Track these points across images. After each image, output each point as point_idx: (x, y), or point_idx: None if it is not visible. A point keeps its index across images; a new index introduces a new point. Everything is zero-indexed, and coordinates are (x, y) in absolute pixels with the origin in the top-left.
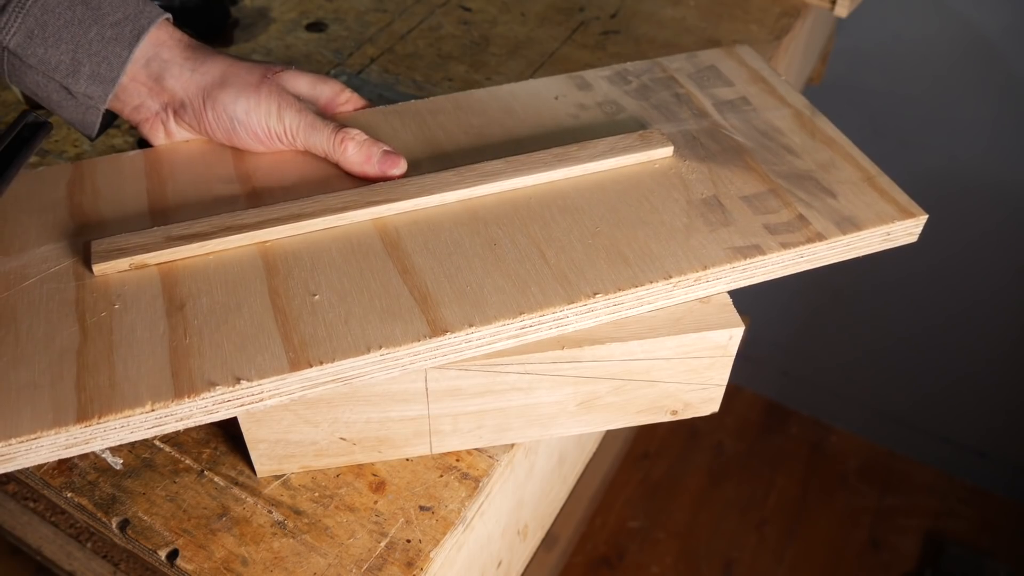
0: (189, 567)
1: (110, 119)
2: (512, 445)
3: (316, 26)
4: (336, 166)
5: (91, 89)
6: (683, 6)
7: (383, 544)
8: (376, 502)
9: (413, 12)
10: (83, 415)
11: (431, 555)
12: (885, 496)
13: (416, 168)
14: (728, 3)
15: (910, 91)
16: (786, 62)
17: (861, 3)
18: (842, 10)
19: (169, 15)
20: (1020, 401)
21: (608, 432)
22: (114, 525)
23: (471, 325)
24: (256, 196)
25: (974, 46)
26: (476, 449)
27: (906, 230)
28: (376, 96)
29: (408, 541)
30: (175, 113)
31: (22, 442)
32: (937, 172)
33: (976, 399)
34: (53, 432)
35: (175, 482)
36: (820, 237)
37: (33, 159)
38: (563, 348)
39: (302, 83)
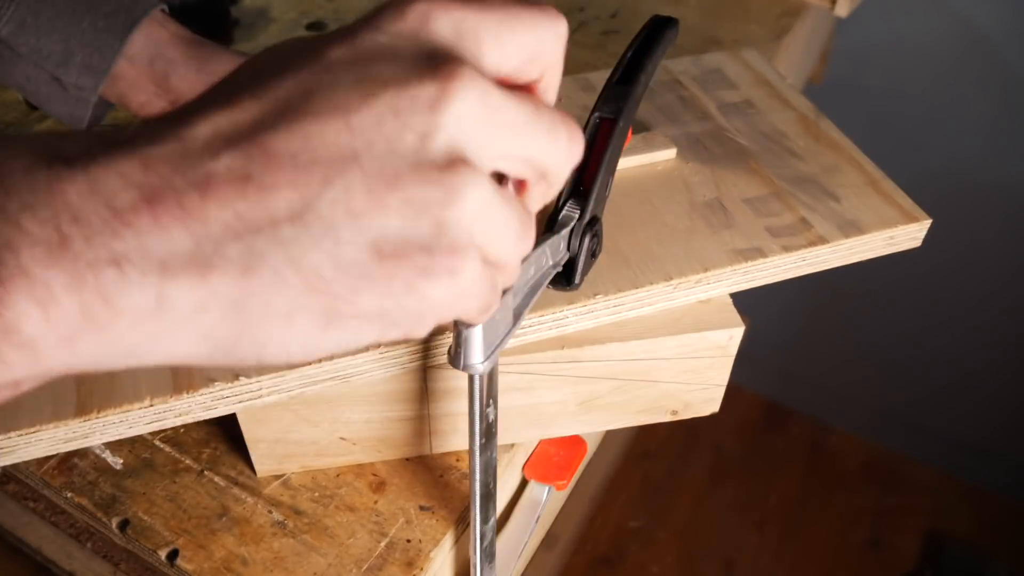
0: (189, 567)
1: (98, 117)
2: (512, 445)
3: (316, 26)
4: None
5: (82, 80)
6: (683, 6)
7: (383, 544)
8: (376, 502)
9: None
10: (82, 409)
11: (431, 555)
12: (885, 496)
13: None
14: (728, 3)
15: (910, 91)
16: (786, 62)
17: (861, 3)
18: (842, 10)
19: (164, 6)
20: (1020, 401)
21: (608, 432)
22: (114, 525)
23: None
24: None
25: (974, 46)
26: None
27: (910, 235)
28: None
29: (408, 541)
30: None
31: (21, 435)
32: (937, 172)
33: (976, 399)
34: (52, 426)
35: (175, 482)
36: (822, 240)
37: None
38: (563, 348)
39: None
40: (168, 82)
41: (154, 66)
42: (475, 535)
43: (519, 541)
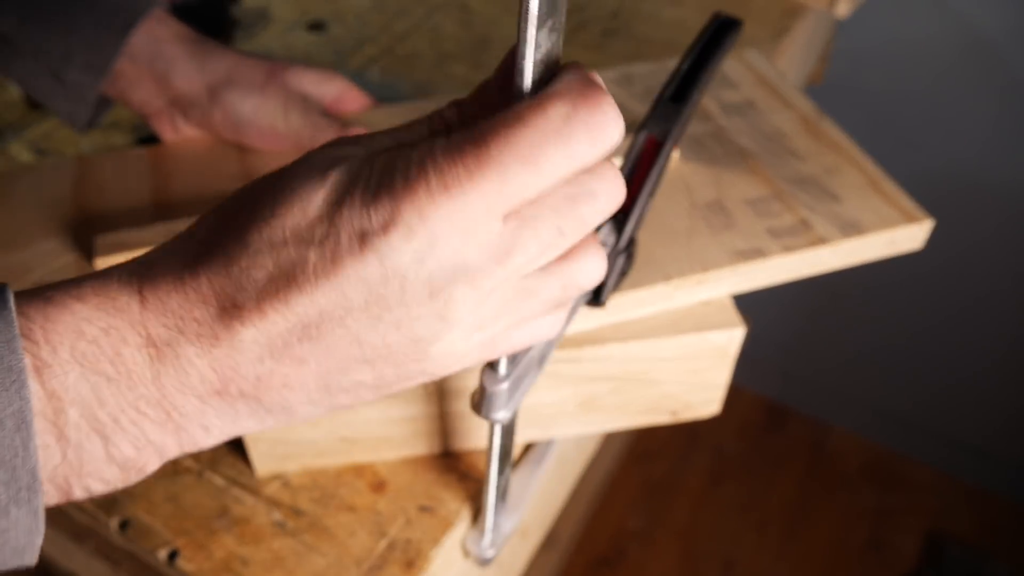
0: (189, 567)
1: (99, 114)
2: None
3: (316, 26)
4: None
5: (82, 77)
6: (683, 6)
7: (383, 544)
8: (376, 502)
9: (413, 12)
10: None
11: (431, 555)
12: (885, 496)
13: None
14: (728, 3)
15: (910, 91)
16: (786, 62)
17: (861, 4)
18: (842, 10)
19: (164, 4)
20: (1020, 401)
21: (608, 432)
22: (114, 525)
23: None
24: None
25: (974, 46)
26: (476, 449)
27: (911, 236)
28: (376, 96)
29: (408, 541)
30: (182, 110)
31: None
32: (937, 172)
33: (976, 399)
34: None
35: (175, 482)
36: (823, 241)
37: (34, 157)
38: (563, 348)
39: (307, 81)
40: (168, 80)
41: (154, 64)
42: (491, 485)
43: (529, 479)
